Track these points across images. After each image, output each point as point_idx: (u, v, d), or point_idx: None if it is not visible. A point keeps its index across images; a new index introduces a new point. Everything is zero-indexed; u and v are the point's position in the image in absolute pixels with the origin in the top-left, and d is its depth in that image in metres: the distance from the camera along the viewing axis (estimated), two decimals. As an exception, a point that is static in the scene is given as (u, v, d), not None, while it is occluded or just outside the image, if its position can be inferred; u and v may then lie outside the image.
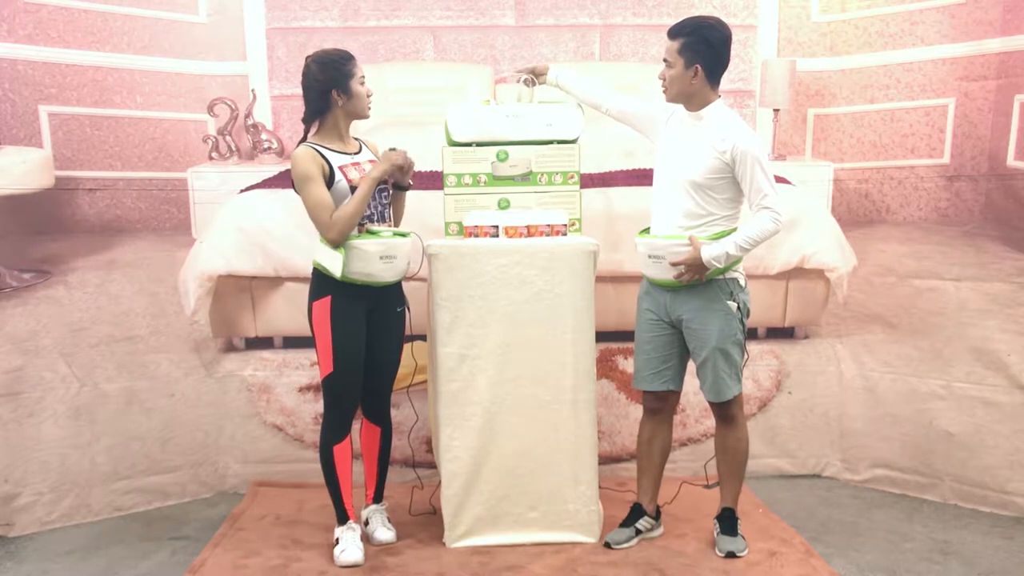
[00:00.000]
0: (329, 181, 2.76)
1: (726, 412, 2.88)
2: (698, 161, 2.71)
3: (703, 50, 2.69)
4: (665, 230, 2.79)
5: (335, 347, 2.80)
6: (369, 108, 2.86)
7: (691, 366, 2.93)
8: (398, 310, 2.94)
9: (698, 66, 2.69)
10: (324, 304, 2.80)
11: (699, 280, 2.73)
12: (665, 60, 2.74)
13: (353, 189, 2.77)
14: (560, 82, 3.05)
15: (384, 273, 2.80)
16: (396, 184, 2.92)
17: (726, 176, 2.71)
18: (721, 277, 2.76)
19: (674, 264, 2.72)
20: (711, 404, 2.90)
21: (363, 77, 2.82)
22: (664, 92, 2.79)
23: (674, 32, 2.72)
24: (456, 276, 2.88)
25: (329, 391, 2.88)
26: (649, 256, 2.80)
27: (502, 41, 4.08)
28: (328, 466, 2.89)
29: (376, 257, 2.76)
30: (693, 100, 2.75)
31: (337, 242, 2.73)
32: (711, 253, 2.67)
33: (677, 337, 2.88)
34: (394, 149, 2.84)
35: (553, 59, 4.09)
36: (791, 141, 3.98)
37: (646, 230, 2.88)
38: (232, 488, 3.64)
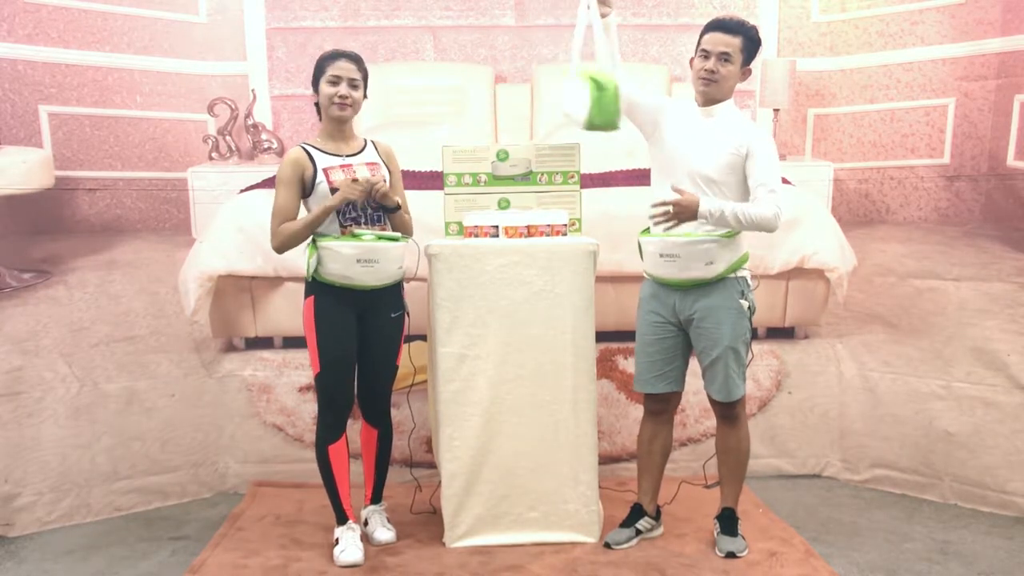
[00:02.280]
0: (312, 182, 2.77)
1: (731, 412, 2.87)
2: (713, 157, 2.70)
3: (754, 52, 2.71)
4: (676, 228, 2.74)
5: (319, 347, 2.81)
6: (337, 108, 2.78)
7: (692, 367, 2.93)
8: (392, 315, 2.91)
9: (750, 67, 2.72)
10: (309, 304, 2.82)
11: (674, 219, 2.65)
12: (726, 55, 2.67)
13: (334, 191, 2.76)
14: (602, 26, 2.88)
15: (364, 276, 2.78)
16: (383, 207, 2.84)
17: (740, 173, 2.72)
18: (732, 276, 2.77)
19: (661, 203, 2.64)
20: (716, 404, 2.88)
21: (336, 77, 2.75)
22: (709, 87, 2.70)
23: (734, 29, 2.68)
24: (456, 276, 2.88)
25: (319, 390, 2.89)
26: (661, 255, 2.77)
27: (502, 41, 4.08)
28: (324, 466, 2.89)
29: (352, 260, 2.75)
30: (723, 98, 2.74)
31: (277, 251, 2.81)
32: (708, 205, 2.63)
33: (682, 338, 2.86)
34: (356, 181, 2.74)
35: (553, 59, 4.09)
36: (791, 141, 3.98)
37: (646, 230, 2.87)
38: (232, 488, 3.64)
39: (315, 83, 2.81)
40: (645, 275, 2.91)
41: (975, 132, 3.49)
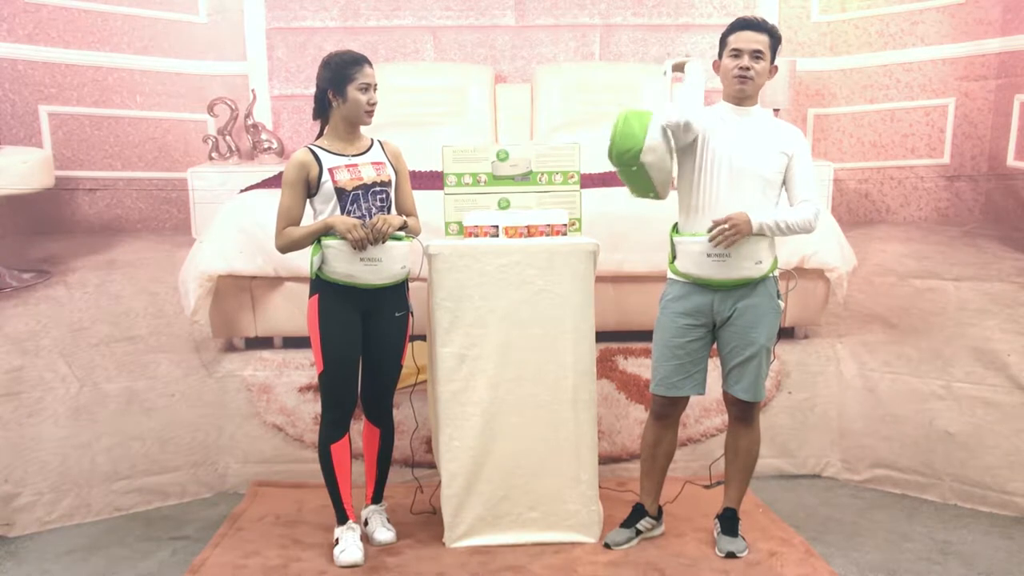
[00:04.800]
0: (317, 182, 2.77)
1: (751, 413, 2.87)
2: (766, 157, 2.72)
3: (777, 49, 2.74)
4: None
5: (323, 345, 2.82)
6: (367, 115, 2.82)
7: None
8: (396, 315, 2.91)
9: (776, 65, 2.74)
10: (313, 302, 2.83)
11: (733, 239, 2.64)
12: (758, 52, 2.69)
13: (339, 191, 2.77)
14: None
15: (367, 275, 2.78)
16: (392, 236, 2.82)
17: (783, 172, 2.75)
18: (771, 276, 2.78)
19: (716, 226, 2.65)
20: (737, 404, 2.86)
21: (366, 84, 2.77)
22: (745, 84, 2.70)
23: (762, 26, 2.71)
24: (456, 276, 2.88)
25: (323, 389, 2.89)
26: (708, 255, 2.71)
27: (502, 41, 4.09)
28: (326, 465, 2.89)
29: (356, 258, 2.75)
30: (755, 97, 2.76)
31: (280, 252, 2.85)
32: (760, 218, 2.66)
33: (710, 339, 2.85)
34: (362, 227, 2.72)
35: (553, 59, 4.09)
36: (791, 141, 3.98)
37: (674, 229, 2.82)
38: (232, 488, 3.64)
39: (336, 87, 2.77)
40: (674, 276, 2.83)
41: (975, 132, 3.49)
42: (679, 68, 2.77)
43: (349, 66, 2.77)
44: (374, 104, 2.81)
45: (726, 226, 2.64)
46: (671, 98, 2.73)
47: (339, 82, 2.77)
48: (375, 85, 2.80)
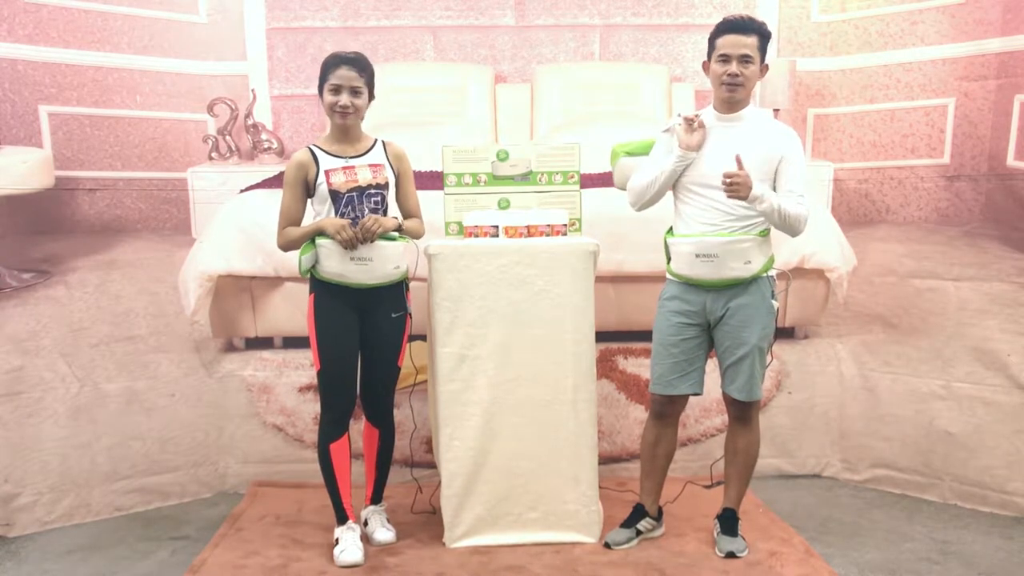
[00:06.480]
0: (315, 184, 2.80)
1: (748, 413, 2.86)
2: (751, 166, 2.67)
3: (767, 48, 2.70)
4: (710, 231, 2.73)
5: (319, 344, 2.83)
6: (338, 117, 2.78)
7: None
8: (393, 315, 2.90)
9: (767, 64, 2.70)
10: (310, 301, 2.85)
11: (733, 190, 2.62)
12: (746, 57, 2.64)
13: (333, 193, 2.78)
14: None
15: (358, 275, 2.79)
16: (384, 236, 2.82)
17: (772, 176, 2.72)
18: (765, 276, 2.77)
19: (736, 172, 2.61)
20: (734, 404, 2.86)
21: (336, 86, 2.75)
22: (735, 92, 2.68)
23: (748, 28, 2.65)
24: (456, 276, 2.88)
25: (321, 388, 2.90)
26: (697, 256, 2.72)
27: (502, 41, 4.09)
28: (325, 465, 2.89)
29: (346, 257, 2.75)
30: (747, 100, 2.73)
31: (282, 250, 2.89)
32: (759, 189, 2.62)
33: (705, 339, 2.85)
34: (350, 228, 2.72)
35: (553, 59, 4.09)
36: (791, 141, 3.98)
37: (669, 231, 2.84)
38: (232, 488, 3.64)
39: (319, 89, 2.82)
40: (670, 277, 2.85)
41: (975, 132, 3.49)
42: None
43: (326, 68, 2.79)
44: (344, 107, 2.76)
45: (738, 177, 2.60)
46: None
47: (320, 84, 2.81)
48: (351, 88, 2.76)
